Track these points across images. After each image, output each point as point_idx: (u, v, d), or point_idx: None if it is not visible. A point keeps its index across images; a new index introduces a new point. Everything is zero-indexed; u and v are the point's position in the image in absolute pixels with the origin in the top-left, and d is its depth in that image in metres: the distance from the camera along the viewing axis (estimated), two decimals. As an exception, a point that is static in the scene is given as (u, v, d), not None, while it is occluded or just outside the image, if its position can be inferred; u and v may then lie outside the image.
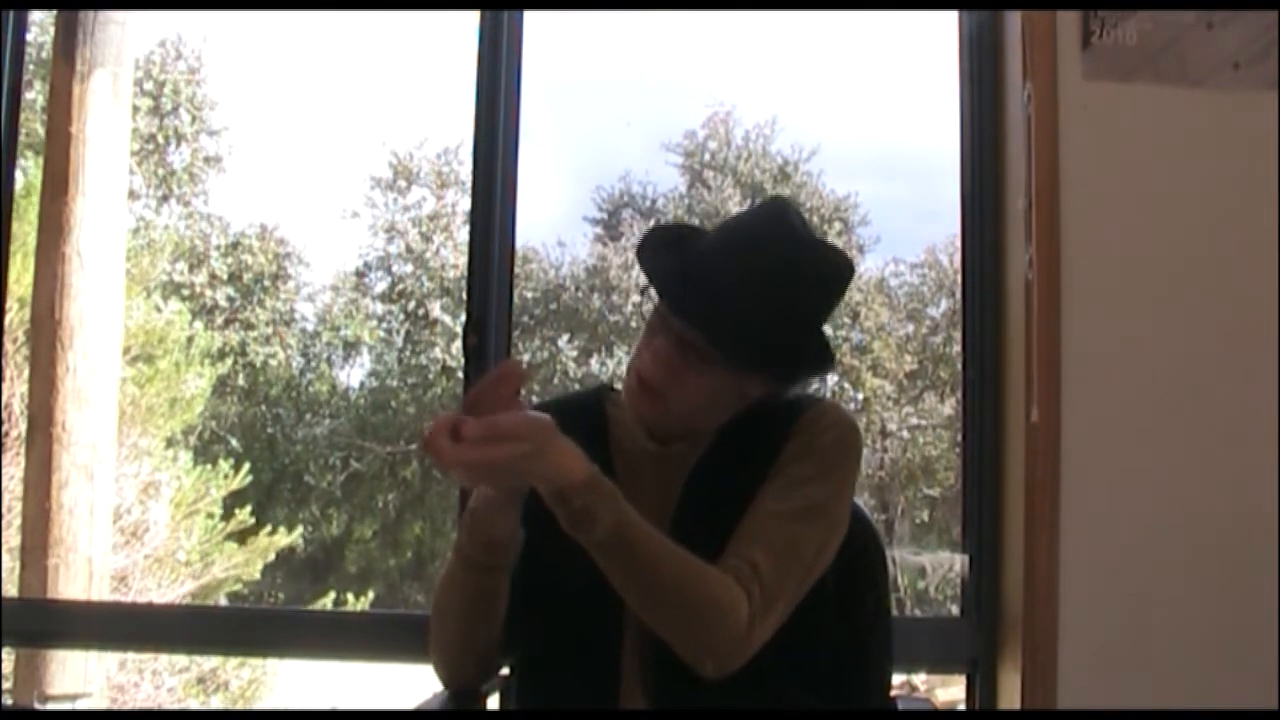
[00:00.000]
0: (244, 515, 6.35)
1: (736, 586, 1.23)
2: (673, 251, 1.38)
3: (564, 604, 1.33)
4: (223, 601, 6.37)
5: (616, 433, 1.42)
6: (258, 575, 6.63)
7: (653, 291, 1.38)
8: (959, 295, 2.35)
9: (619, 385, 1.44)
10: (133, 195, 9.32)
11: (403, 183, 10.95)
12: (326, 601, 7.46)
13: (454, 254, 10.59)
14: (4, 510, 4.47)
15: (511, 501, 1.28)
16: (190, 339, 6.86)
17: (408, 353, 10.73)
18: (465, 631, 1.38)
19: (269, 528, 6.64)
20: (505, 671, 1.48)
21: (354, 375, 10.97)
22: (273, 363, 10.46)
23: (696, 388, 1.33)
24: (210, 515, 6.30)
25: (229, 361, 9.55)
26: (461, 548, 1.33)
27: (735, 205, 10.90)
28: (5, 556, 4.25)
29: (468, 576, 1.33)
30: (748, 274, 1.33)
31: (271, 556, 6.61)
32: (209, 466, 6.58)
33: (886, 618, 1.44)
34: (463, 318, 2.27)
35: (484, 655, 1.42)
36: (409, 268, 10.83)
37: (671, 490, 1.35)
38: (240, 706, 6.21)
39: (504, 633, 1.39)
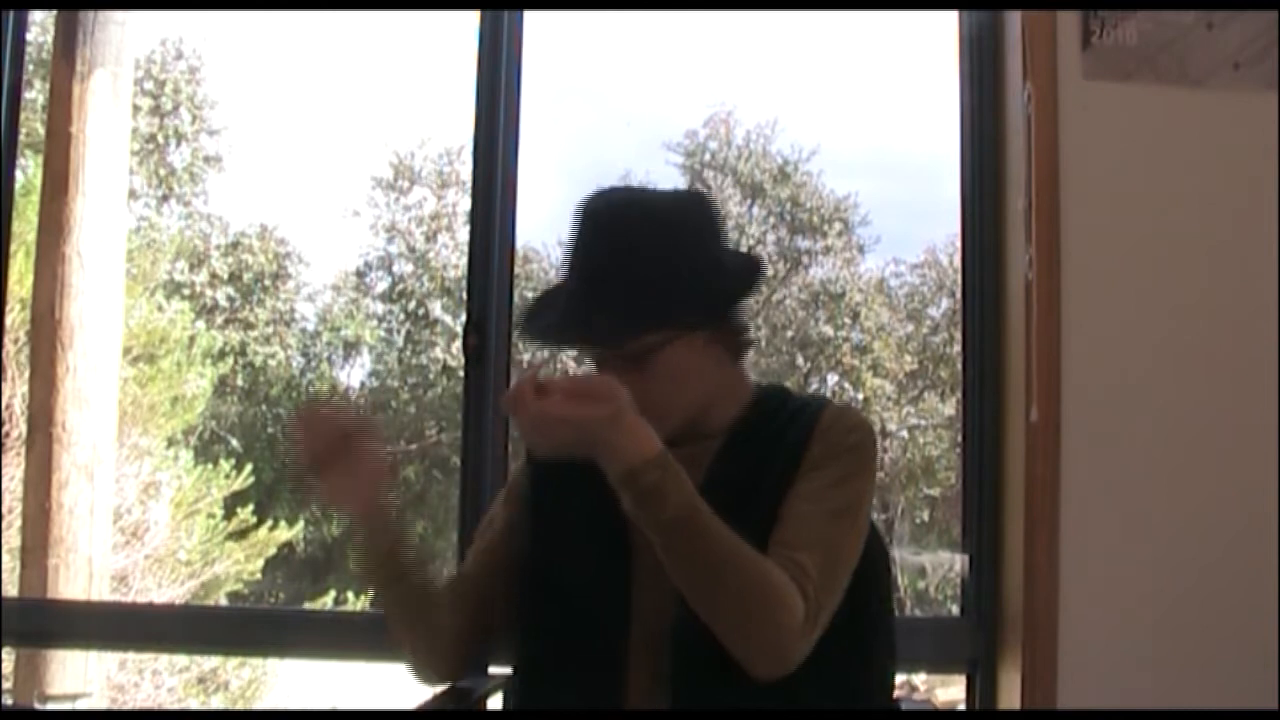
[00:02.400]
0: (245, 515, 6.36)
1: (794, 585, 1.20)
2: (539, 312, 1.39)
3: (567, 599, 1.32)
4: (223, 601, 6.38)
5: None
6: (258, 574, 6.63)
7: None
8: (959, 295, 2.35)
9: None
10: (133, 195, 9.33)
11: (403, 182, 10.95)
12: (327, 601, 7.46)
13: (454, 254, 10.59)
14: (4, 510, 4.47)
15: (380, 518, 1.34)
16: (192, 339, 6.87)
17: (408, 353, 10.73)
18: (420, 638, 1.41)
19: (270, 523, 6.65)
20: (507, 670, 1.48)
21: (354, 375, 10.98)
22: (273, 362, 10.46)
23: (657, 386, 1.28)
24: (211, 515, 6.30)
25: (230, 361, 9.55)
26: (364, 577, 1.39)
27: (735, 205, 10.90)
28: (5, 556, 4.25)
29: (382, 596, 1.39)
30: (587, 260, 1.32)
31: (272, 550, 6.62)
32: (210, 466, 6.58)
33: (889, 618, 1.44)
34: (463, 318, 2.27)
35: (453, 648, 1.43)
36: (409, 267, 10.83)
37: None
38: (240, 706, 6.21)
39: (503, 628, 1.40)
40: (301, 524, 8.11)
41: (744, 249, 11.45)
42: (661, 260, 1.29)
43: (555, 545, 1.28)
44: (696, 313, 1.31)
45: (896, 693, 1.46)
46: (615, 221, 1.31)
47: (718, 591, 1.19)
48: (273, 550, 6.63)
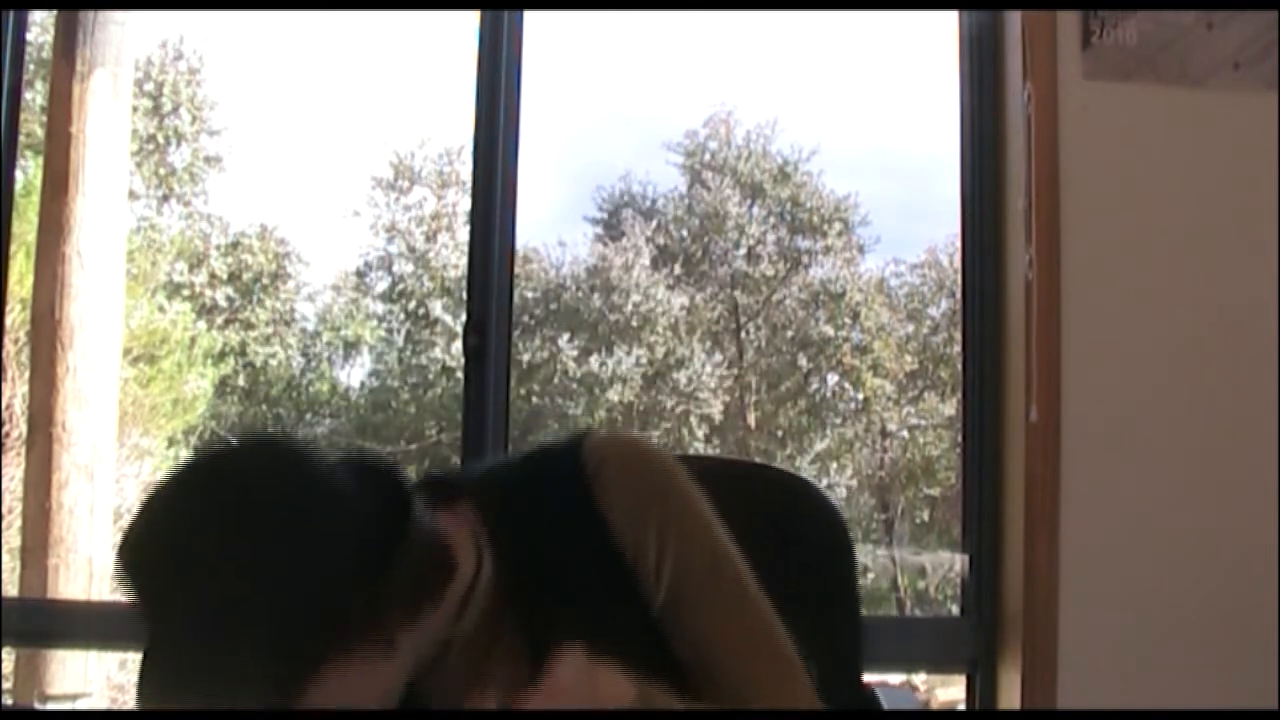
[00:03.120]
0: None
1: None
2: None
3: None
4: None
5: None
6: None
7: None
8: (959, 295, 2.35)
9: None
10: (133, 195, 9.33)
11: (404, 182, 10.95)
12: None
13: (454, 254, 10.60)
14: (4, 510, 4.47)
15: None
16: (193, 340, 6.87)
17: (408, 353, 10.73)
18: None
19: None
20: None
21: (354, 375, 10.98)
22: (273, 362, 10.46)
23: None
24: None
25: (230, 362, 9.56)
26: None
27: (735, 205, 10.91)
28: (5, 556, 4.25)
29: None
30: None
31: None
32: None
33: (854, 601, 1.39)
34: (463, 318, 2.27)
35: None
36: (410, 267, 10.83)
37: None
38: (240, 706, 6.21)
39: None
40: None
41: (744, 249, 11.49)
42: None
43: None
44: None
45: (888, 687, 1.45)
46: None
47: None
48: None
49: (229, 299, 10.16)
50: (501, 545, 1.03)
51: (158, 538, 0.92)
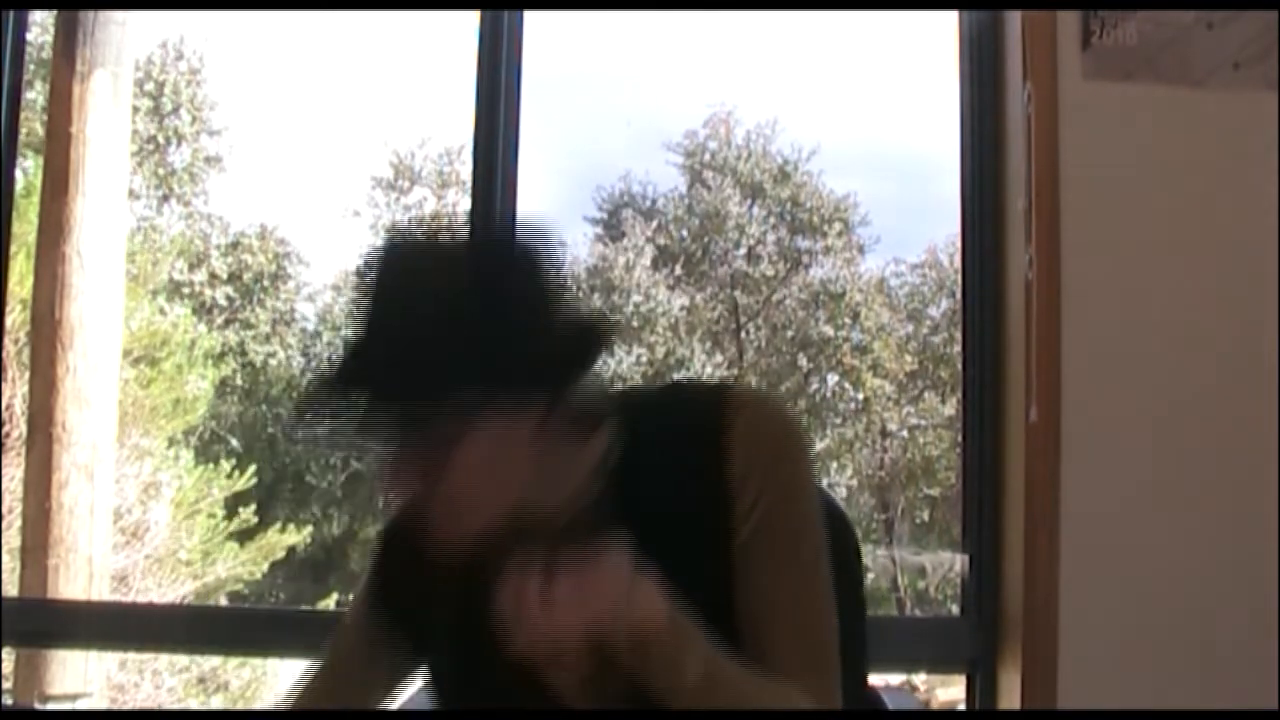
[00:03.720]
0: (247, 515, 6.37)
1: (810, 696, 1.07)
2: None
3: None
4: (223, 601, 6.38)
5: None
6: (260, 575, 6.64)
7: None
8: (959, 295, 2.35)
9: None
10: (133, 195, 9.33)
11: (404, 182, 10.96)
12: (328, 603, 7.47)
13: (454, 254, 10.58)
14: (4, 510, 4.48)
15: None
16: (193, 341, 6.88)
17: (408, 352, 10.72)
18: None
19: (278, 525, 6.66)
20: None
21: (354, 375, 10.96)
22: (273, 362, 10.47)
23: (473, 469, 1.01)
24: (212, 515, 6.31)
25: (230, 362, 9.56)
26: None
27: (735, 205, 10.91)
28: (5, 556, 4.26)
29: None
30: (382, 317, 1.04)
31: (281, 553, 6.63)
32: (210, 466, 6.59)
33: (861, 606, 1.40)
34: (463, 318, 2.27)
35: None
36: (409, 268, 10.82)
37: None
38: (240, 706, 6.22)
39: None
40: (310, 526, 8.12)
41: (744, 249, 11.47)
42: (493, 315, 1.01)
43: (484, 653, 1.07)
44: (523, 388, 1.02)
45: (890, 690, 1.46)
46: (423, 270, 1.04)
47: None
48: (280, 553, 6.65)
49: (229, 299, 10.18)
50: (622, 457, 1.07)
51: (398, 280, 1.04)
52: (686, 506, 1.07)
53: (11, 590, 4.06)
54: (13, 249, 3.46)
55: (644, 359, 10.13)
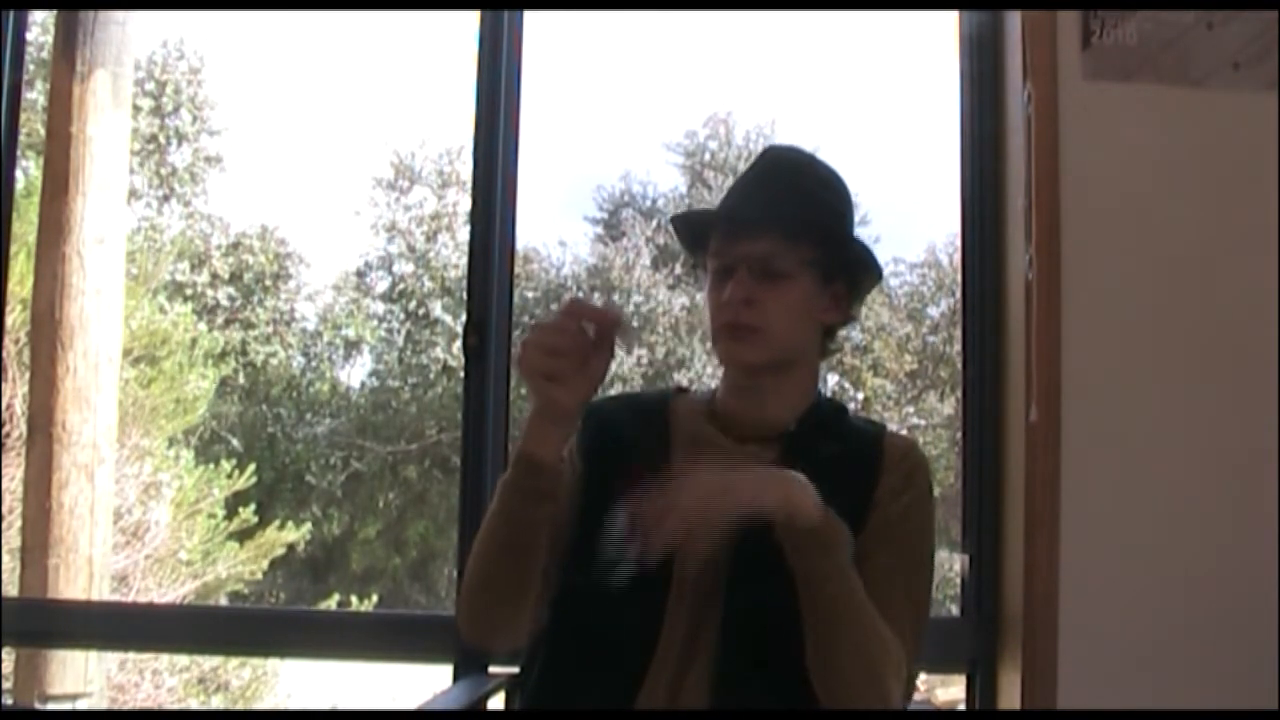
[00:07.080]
0: (247, 515, 6.37)
1: (903, 654, 1.29)
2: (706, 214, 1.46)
3: (605, 597, 1.28)
4: (223, 601, 6.38)
5: (681, 432, 1.42)
6: (260, 575, 6.64)
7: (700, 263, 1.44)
8: (959, 295, 2.35)
9: (684, 384, 1.45)
10: (133, 195, 9.33)
11: (404, 182, 10.96)
12: (329, 603, 7.47)
13: (454, 254, 10.60)
14: (4, 510, 4.48)
15: (561, 422, 1.27)
16: (194, 341, 6.88)
17: (408, 352, 10.73)
18: (504, 569, 1.32)
19: (276, 523, 6.66)
20: (506, 670, 1.46)
21: (355, 375, 10.99)
22: (273, 362, 10.47)
23: (784, 307, 1.35)
24: (212, 515, 6.31)
25: (231, 362, 9.56)
26: (506, 480, 1.30)
27: (736, 205, 10.87)
28: (5, 556, 4.26)
29: (512, 503, 1.29)
30: (794, 180, 1.42)
31: (281, 550, 6.63)
32: (210, 466, 6.59)
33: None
34: (463, 318, 2.27)
35: (515, 604, 1.34)
36: (410, 267, 10.84)
37: None
38: (240, 706, 6.22)
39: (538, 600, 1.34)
40: (309, 524, 8.11)
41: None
42: (832, 221, 1.41)
43: (603, 539, 1.26)
44: (842, 278, 1.40)
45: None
46: (807, 171, 1.44)
47: (846, 654, 1.25)
48: (279, 551, 6.64)
49: (230, 299, 10.17)
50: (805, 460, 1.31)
51: None
52: (843, 497, 1.27)
53: (11, 590, 4.07)
54: (13, 249, 3.47)
55: (644, 359, 10.13)
